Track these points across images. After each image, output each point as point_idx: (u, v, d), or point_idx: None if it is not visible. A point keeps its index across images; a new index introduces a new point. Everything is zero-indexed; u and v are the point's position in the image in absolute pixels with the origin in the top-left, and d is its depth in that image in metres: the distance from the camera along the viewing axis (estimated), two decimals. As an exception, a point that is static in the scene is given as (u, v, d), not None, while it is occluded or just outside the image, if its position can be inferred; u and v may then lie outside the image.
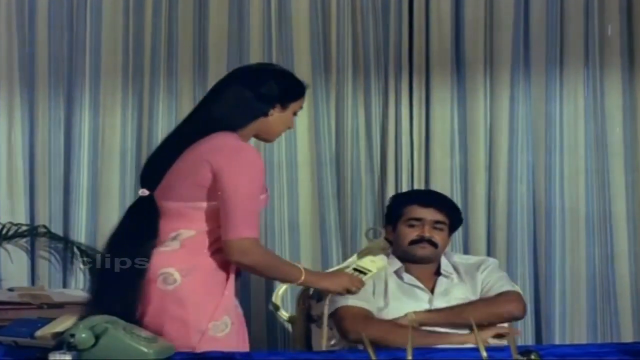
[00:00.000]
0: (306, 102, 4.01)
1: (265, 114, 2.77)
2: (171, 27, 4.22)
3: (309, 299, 3.46)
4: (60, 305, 3.50)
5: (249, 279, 4.11)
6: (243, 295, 3.97)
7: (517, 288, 3.42)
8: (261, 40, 4.22)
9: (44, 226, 4.17)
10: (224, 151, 2.67)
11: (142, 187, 2.77)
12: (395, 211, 3.37)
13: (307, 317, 3.45)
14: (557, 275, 4.19)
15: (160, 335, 2.54)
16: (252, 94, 2.75)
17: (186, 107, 3.98)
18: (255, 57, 4.19)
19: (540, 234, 4.22)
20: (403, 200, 3.41)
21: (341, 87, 4.24)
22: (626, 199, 4.23)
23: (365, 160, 4.24)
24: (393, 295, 3.18)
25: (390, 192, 4.15)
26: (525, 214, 4.20)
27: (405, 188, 4.19)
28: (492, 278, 3.30)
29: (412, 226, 3.30)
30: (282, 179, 4.22)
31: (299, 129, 4.21)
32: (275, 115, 2.79)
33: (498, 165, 4.23)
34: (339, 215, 4.23)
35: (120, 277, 2.66)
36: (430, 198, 3.41)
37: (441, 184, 4.19)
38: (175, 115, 4.17)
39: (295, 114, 2.85)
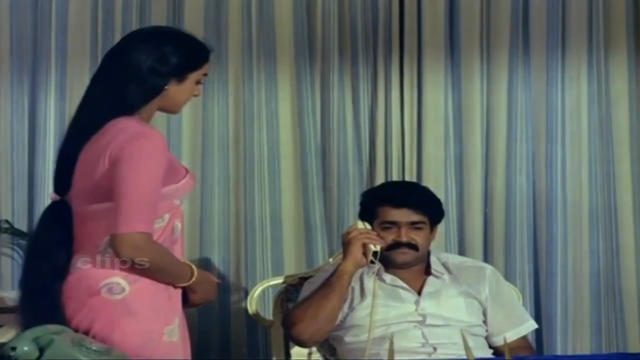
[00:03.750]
0: (289, 87, 4.10)
1: (162, 90, 2.60)
2: (143, 5, 4.09)
3: (288, 301, 3.36)
4: (13, 310, 3.30)
5: (228, 279, 4.03)
6: (222, 296, 3.94)
7: (517, 292, 3.49)
8: (240, 20, 4.10)
9: (7, 221, 4.03)
10: (122, 137, 2.50)
11: (55, 191, 2.63)
12: (368, 211, 3.23)
13: (285, 320, 3.33)
14: (558, 272, 4.09)
15: None
16: (145, 69, 2.57)
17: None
18: (233, 38, 4.09)
19: (540, 228, 4.12)
20: (375, 200, 3.26)
21: (327, 72, 4.12)
22: (632, 191, 4.15)
23: (353, 150, 4.14)
24: (376, 299, 3.08)
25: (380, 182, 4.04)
26: (525, 208, 4.10)
27: (395, 179, 4.09)
28: (499, 315, 3.22)
29: (387, 229, 3.16)
30: (263, 171, 4.10)
31: (282, 117, 4.12)
32: (173, 89, 2.61)
33: (495, 155, 4.14)
34: (324, 209, 4.12)
35: (42, 289, 2.55)
36: (403, 197, 3.24)
37: (434, 175, 4.10)
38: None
39: (199, 82, 2.66)
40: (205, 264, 3.98)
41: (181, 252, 2.65)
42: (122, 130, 2.51)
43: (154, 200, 2.48)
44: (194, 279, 2.60)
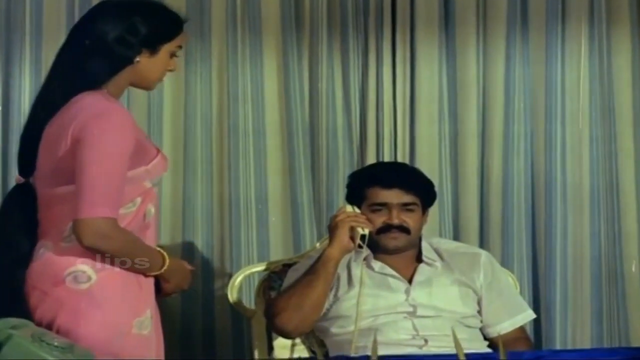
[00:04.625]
0: (275, 62, 4.01)
1: (131, 62, 2.51)
2: (121, -24, 3.99)
3: (270, 290, 3.27)
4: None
5: (211, 263, 3.96)
6: (204, 282, 3.92)
7: (514, 280, 3.45)
8: (224, -9, 4.06)
9: (-22, 203, 3.96)
10: (84, 115, 2.41)
11: (19, 173, 2.55)
12: (356, 193, 3.17)
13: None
14: (557, 257, 4.04)
15: (76, 342, 2.32)
16: (112, 39, 2.49)
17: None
18: (217, 10, 4.00)
19: (539, 211, 4.07)
20: (363, 181, 3.20)
21: (315, 45, 4.05)
22: (635, 171, 4.12)
23: (343, 128, 4.08)
24: (363, 287, 3.03)
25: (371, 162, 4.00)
26: (523, 189, 4.06)
27: (387, 159, 4.04)
28: (495, 305, 3.17)
29: (377, 211, 3.09)
30: (248, 150, 4.02)
31: (268, 93, 4.05)
32: (144, 62, 2.53)
33: (492, 134, 4.08)
34: (312, 189, 4.06)
35: (4, 278, 2.46)
36: (393, 177, 3.19)
37: (427, 155, 4.06)
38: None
39: (173, 55, 2.57)
40: (187, 248, 3.92)
41: (154, 238, 2.55)
42: (85, 107, 2.41)
43: (118, 183, 2.38)
44: (165, 267, 2.51)
